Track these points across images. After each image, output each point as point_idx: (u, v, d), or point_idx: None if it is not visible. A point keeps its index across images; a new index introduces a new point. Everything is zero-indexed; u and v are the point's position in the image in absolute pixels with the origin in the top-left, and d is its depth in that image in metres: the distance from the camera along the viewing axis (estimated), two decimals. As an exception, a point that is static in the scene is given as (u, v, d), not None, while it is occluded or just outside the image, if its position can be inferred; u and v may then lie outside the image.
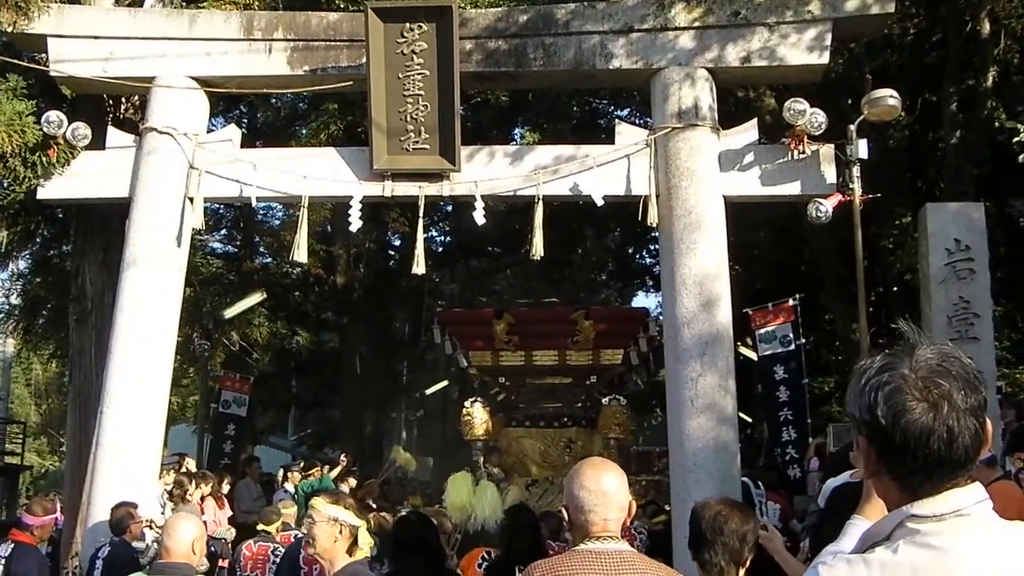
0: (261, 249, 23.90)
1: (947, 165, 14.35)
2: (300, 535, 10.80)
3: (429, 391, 29.23)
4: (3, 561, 7.32)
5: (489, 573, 7.45)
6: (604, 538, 3.44)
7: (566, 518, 3.53)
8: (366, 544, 4.62)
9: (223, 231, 22.16)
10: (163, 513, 11.01)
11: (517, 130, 19.65)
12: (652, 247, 27.51)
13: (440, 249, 27.11)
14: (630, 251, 28.57)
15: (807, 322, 13.77)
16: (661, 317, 21.15)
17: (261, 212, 22.77)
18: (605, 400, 17.62)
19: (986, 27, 13.60)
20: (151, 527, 9.49)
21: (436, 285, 28.29)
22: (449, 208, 22.19)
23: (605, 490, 3.47)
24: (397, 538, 6.09)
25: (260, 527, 9.45)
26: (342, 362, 24.41)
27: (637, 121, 18.26)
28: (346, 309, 23.40)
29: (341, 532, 4.47)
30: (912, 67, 14.54)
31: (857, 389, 1.99)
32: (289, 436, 33.31)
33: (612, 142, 10.68)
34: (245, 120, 19.09)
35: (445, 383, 29.16)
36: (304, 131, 15.86)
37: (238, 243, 22.29)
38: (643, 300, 49.21)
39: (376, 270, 24.04)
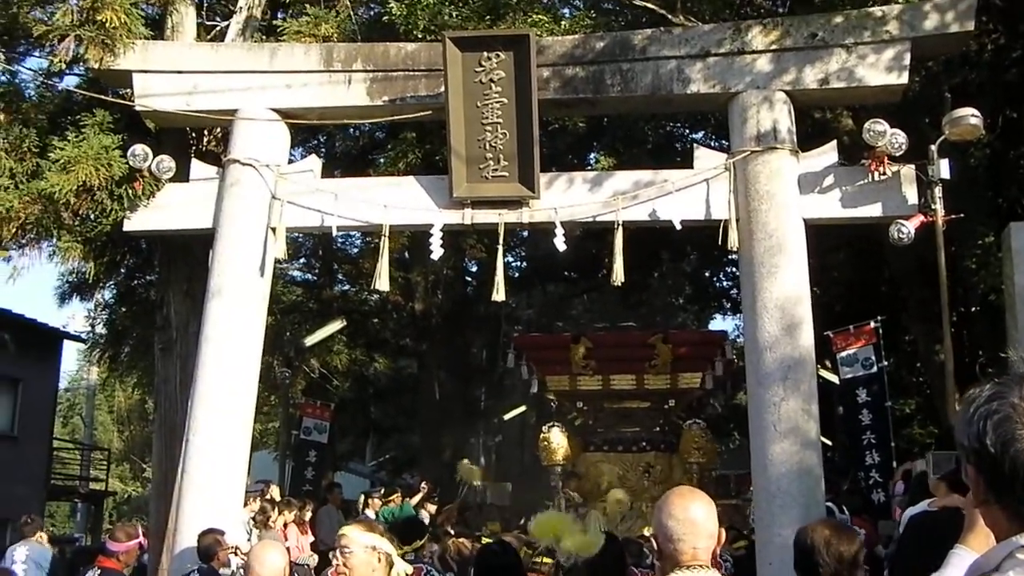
0: (339, 277, 24.17)
1: (1031, 183, 14.10)
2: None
3: (507, 416, 29.26)
4: (88, 586, 7.46)
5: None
6: (694, 567, 3.40)
7: (655, 547, 3.51)
8: (403, 571, 4.57)
9: (302, 259, 22.46)
10: (248, 540, 11.16)
11: (592, 155, 19.65)
12: (729, 270, 27.39)
13: (516, 275, 27.15)
14: (707, 275, 28.44)
15: (888, 343, 13.54)
16: (739, 340, 21.10)
17: (340, 240, 22.99)
18: (685, 424, 17.54)
19: (1069, 42, 13.36)
20: (237, 553, 9.62)
21: (513, 311, 28.31)
22: (525, 234, 22.23)
23: (694, 519, 3.45)
24: (480, 566, 6.09)
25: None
26: (420, 388, 24.54)
27: (713, 144, 18.23)
28: (424, 335, 23.54)
29: (380, 560, 4.42)
30: (992, 84, 14.27)
31: (966, 418, 1.96)
32: (367, 462, 33.49)
33: (690, 166, 10.67)
34: (323, 150, 19.31)
35: (523, 408, 29.18)
36: (382, 160, 15.96)
37: (317, 271, 22.57)
38: (720, 324, 48.84)
39: (454, 296, 24.18)
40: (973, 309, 15.63)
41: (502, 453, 32.12)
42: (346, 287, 24.05)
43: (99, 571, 7.50)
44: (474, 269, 26.56)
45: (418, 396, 24.59)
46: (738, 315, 30.72)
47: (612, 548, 7.73)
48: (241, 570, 9.72)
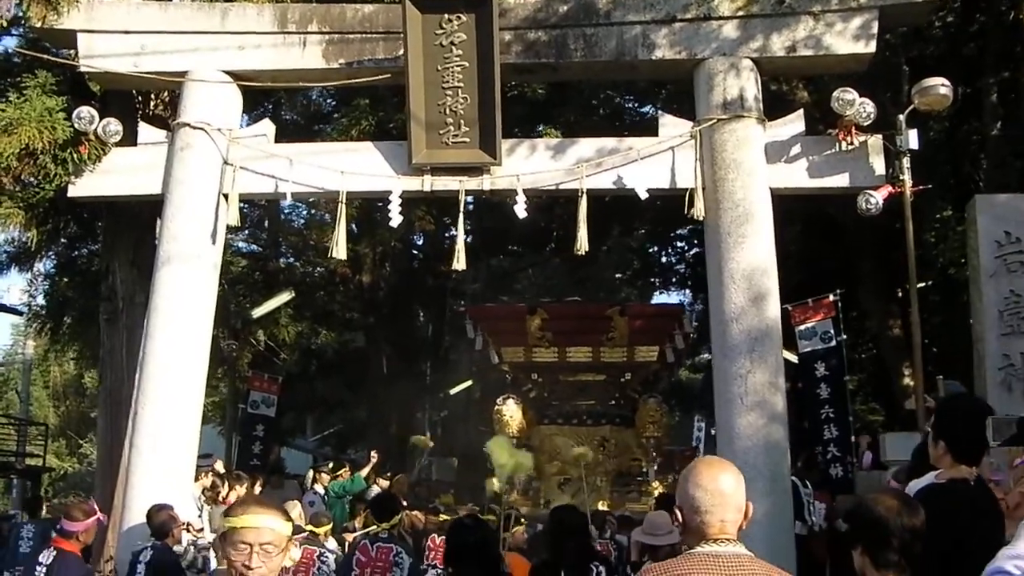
0: (283, 249, 23.74)
1: (988, 157, 14.08)
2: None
3: (452, 391, 29.00)
4: (44, 569, 7.04)
5: (536, 579, 7.06)
6: (721, 540, 3.22)
7: (679, 519, 3.29)
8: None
9: (247, 230, 21.97)
10: (199, 516, 10.81)
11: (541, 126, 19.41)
12: (678, 245, 27.37)
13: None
14: (652, 250, 28.36)
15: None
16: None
17: (286, 211, 22.59)
18: (641, 398, 17.45)
19: (1028, 16, 13.34)
20: (189, 530, 9.30)
21: (458, 284, 28.03)
22: (471, 206, 21.94)
23: (723, 490, 3.26)
24: (453, 543, 5.85)
25: (308, 529, 9.21)
26: (367, 362, 24.19)
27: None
28: (371, 308, 23.19)
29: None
30: (950, 58, 14.26)
31: None
32: (309, 437, 33.07)
33: (655, 134, 10.46)
34: (269, 118, 18.90)
35: (469, 383, 28.94)
36: (331, 128, 15.63)
37: (263, 242, 22.13)
38: (662, 299, 48.59)
39: (401, 269, 23.83)
40: (928, 283, 15.62)
41: (447, 428, 31.83)
42: (291, 259, 23.63)
43: (55, 553, 7.09)
44: (419, 242, 26.23)
45: (364, 370, 24.23)
46: (683, 290, 30.80)
47: (573, 519, 7.51)
48: (192, 547, 9.41)
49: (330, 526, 10.14)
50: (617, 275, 32.18)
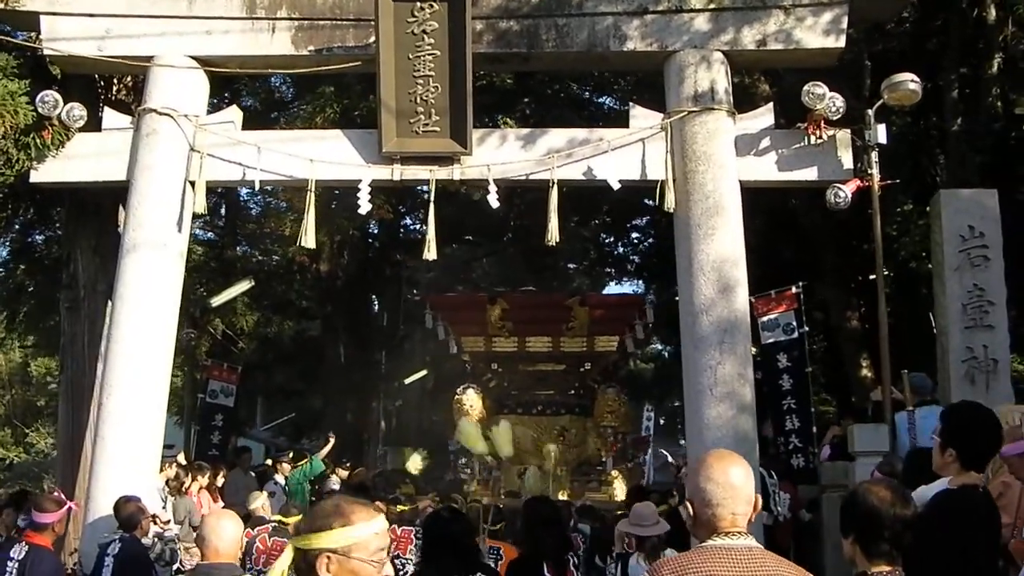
0: (238, 237, 23.50)
1: (948, 152, 14.24)
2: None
3: (408, 380, 28.96)
4: (15, 564, 6.90)
5: (514, 572, 7.01)
6: (733, 533, 3.26)
7: (690, 512, 3.30)
8: None
9: (204, 218, 21.73)
10: (163, 507, 10.72)
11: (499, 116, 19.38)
12: (633, 236, 27.44)
13: (418, 237, 26.75)
14: (608, 240, 28.41)
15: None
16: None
17: (243, 199, 22.39)
18: (600, 388, 17.52)
19: (992, 13, 13.48)
20: (156, 521, 9.22)
21: (413, 273, 27.97)
22: (426, 195, 21.83)
23: (734, 483, 3.29)
24: (431, 534, 5.82)
25: (278, 519, 9.14)
26: (324, 351, 24.07)
27: (622, 109, 18.09)
28: (329, 297, 23.07)
29: None
30: (912, 54, 14.40)
31: None
32: (260, 427, 32.84)
33: (625, 125, 10.48)
34: (231, 104, 18.73)
35: (424, 373, 28.91)
36: (293, 116, 15.48)
37: (220, 230, 21.91)
38: (616, 290, 48.91)
39: (358, 258, 23.72)
40: (889, 274, 15.78)
41: (402, 417, 31.84)
42: (247, 247, 23.42)
43: (27, 548, 6.94)
44: (376, 231, 26.10)
45: (320, 359, 24.11)
46: (636, 280, 30.92)
47: (548, 511, 7.51)
48: (159, 539, 9.31)
49: (300, 517, 10.05)
50: (571, 265, 32.26)
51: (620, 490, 16.51)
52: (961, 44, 14.27)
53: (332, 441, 15.47)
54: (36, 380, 36.23)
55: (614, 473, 17.26)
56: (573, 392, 17.76)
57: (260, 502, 10.84)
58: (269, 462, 16.55)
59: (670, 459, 25.09)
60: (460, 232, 25.37)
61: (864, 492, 3.73)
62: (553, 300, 17.97)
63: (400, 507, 12.28)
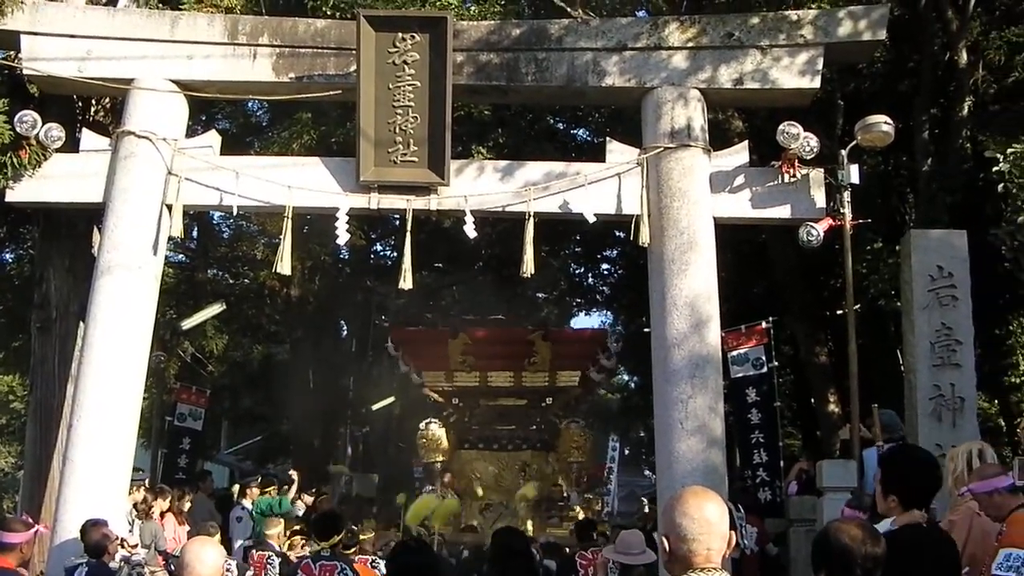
0: (210, 259, 23.41)
1: (918, 192, 14.44)
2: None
3: (375, 407, 28.82)
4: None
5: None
6: (708, 569, 3.32)
7: (666, 547, 3.37)
8: None
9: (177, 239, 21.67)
10: (131, 531, 10.64)
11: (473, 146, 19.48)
12: (603, 267, 27.57)
13: (389, 263, 26.78)
14: (577, 271, 28.51)
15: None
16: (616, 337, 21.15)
17: (215, 222, 22.33)
18: (563, 423, 17.50)
19: (963, 57, 13.72)
20: (124, 545, 9.16)
21: (382, 300, 27.93)
22: (397, 222, 21.86)
23: (709, 519, 3.35)
24: (396, 566, 5.82)
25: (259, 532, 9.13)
26: (292, 375, 23.99)
27: (595, 142, 18.22)
28: (299, 322, 23.02)
29: None
30: (884, 94, 14.62)
31: None
32: (223, 451, 32.62)
33: (602, 159, 10.59)
34: (210, 130, 18.74)
35: (391, 399, 28.80)
36: (270, 142, 15.46)
37: (191, 253, 21.84)
38: (584, 321, 49.10)
39: (329, 283, 23.69)
40: (858, 309, 15.97)
41: (369, 444, 31.64)
42: (217, 271, 23.33)
43: (-9, 572, 6.87)
44: (346, 256, 26.09)
45: (289, 383, 24.02)
46: (604, 311, 31.02)
47: (517, 543, 7.55)
48: (125, 564, 9.26)
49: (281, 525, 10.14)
50: (540, 294, 32.30)
51: (583, 525, 16.50)
52: (933, 86, 14.51)
53: (296, 479, 15.39)
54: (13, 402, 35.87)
55: (577, 508, 17.23)
56: (535, 427, 17.68)
57: (276, 530, 10.83)
58: (236, 487, 16.40)
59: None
60: (431, 259, 25.41)
61: (836, 530, 3.80)
62: (515, 335, 17.90)
63: (362, 535, 12.29)
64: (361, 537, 10.99)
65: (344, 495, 21.38)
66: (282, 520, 11.48)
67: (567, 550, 12.78)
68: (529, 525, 15.68)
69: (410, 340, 18.32)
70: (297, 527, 12.51)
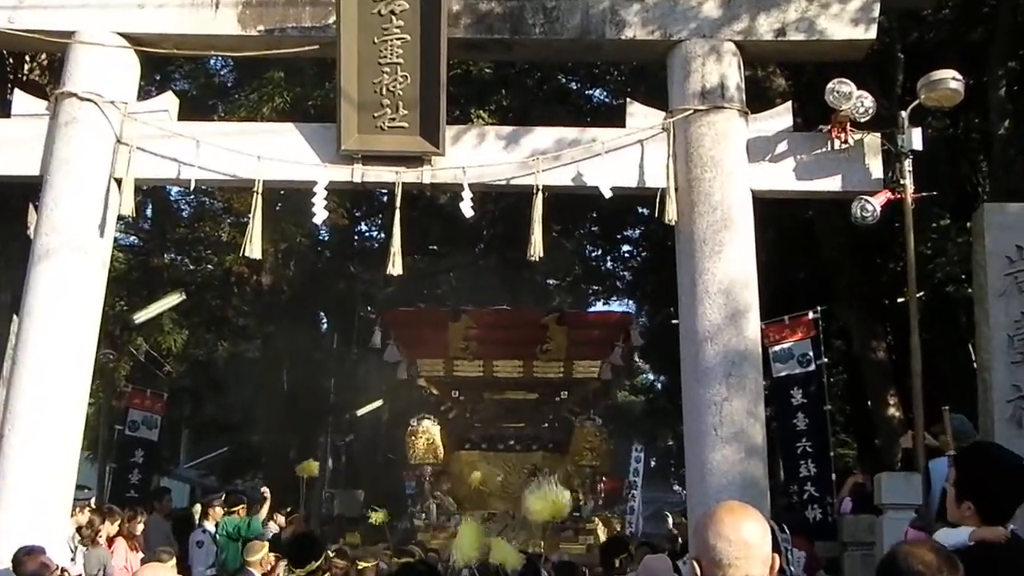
0: (166, 242, 23.46)
1: (993, 159, 14.31)
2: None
3: (360, 412, 28.90)
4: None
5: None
6: (746, 600, 3.28)
7: (698, 572, 3.34)
8: None
9: (128, 219, 21.66)
10: (73, 560, 10.66)
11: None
12: (624, 249, 27.57)
13: (375, 246, 26.80)
14: (594, 254, 28.51)
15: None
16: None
17: (173, 199, 22.36)
18: (578, 421, 17.44)
19: (1048, -2, 13.59)
20: (64, 576, 9.17)
21: (368, 288, 27.97)
22: (385, 198, 21.83)
23: (748, 540, 3.31)
24: None
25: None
26: (264, 377, 24.03)
27: (614, 104, 18.13)
28: (271, 315, 23.02)
29: None
30: (952, 45, 14.51)
31: None
32: (182, 464, 32.67)
33: (621, 124, 10.56)
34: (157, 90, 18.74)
35: (379, 403, 28.88)
36: (236, 105, 15.44)
37: (145, 234, 21.87)
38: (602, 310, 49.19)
39: (307, 269, 23.73)
40: (921, 297, 15.94)
41: (353, 455, 31.79)
42: (176, 256, 23.35)
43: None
44: (325, 238, 26.13)
45: (260, 385, 24.07)
46: (626, 300, 31.02)
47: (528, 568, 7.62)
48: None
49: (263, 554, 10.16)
50: (551, 281, 32.32)
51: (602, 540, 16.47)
52: (1011, 34, 14.29)
53: (268, 498, 15.41)
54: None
55: (596, 521, 17.20)
56: (547, 425, 17.68)
57: (259, 556, 10.83)
58: (198, 507, 16.43)
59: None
60: (424, 241, 25.44)
61: (905, 555, 3.73)
62: (526, 318, 17.91)
63: (362, 563, 12.31)
64: (361, 565, 11.01)
65: (322, 513, 21.43)
66: (266, 544, 11.44)
67: (585, 571, 12.76)
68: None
69: (404, 323, 18.29)
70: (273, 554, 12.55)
